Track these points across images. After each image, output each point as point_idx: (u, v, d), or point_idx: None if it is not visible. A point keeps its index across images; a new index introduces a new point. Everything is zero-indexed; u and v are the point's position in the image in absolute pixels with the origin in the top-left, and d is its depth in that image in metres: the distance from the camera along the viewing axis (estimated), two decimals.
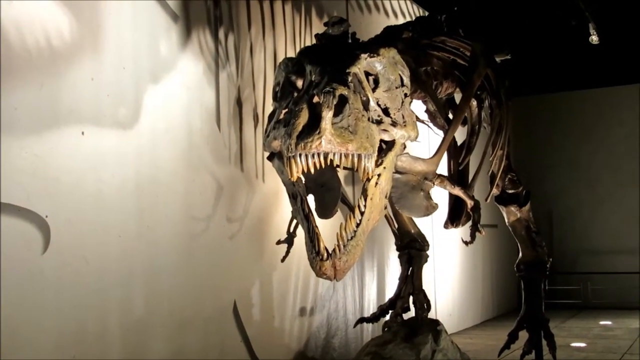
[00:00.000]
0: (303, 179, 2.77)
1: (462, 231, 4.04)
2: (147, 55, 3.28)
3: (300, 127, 2.40)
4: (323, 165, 2.44)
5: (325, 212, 3.09)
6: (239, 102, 3.85)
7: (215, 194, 3.64)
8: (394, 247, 4.53)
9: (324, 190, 3.10)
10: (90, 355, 2.85)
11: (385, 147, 2.76)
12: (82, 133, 2.88)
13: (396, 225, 4.42)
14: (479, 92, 4.00)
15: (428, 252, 4.40)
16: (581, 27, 7.08)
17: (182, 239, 3.42)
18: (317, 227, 2.62)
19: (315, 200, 3.09)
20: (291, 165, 2.46)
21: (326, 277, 2.54)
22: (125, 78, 3.13)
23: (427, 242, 4.43)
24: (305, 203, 2.74)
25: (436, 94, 3.92)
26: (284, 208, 3.81)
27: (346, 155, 2.45)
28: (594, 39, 7.13)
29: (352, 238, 2.54)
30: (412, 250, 4.37)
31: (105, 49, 3.03)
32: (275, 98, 2.93)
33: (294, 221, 3.32)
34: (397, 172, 3.10)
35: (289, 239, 3.42)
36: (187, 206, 3.46)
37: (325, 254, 2.51)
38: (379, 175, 2.69)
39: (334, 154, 2.41)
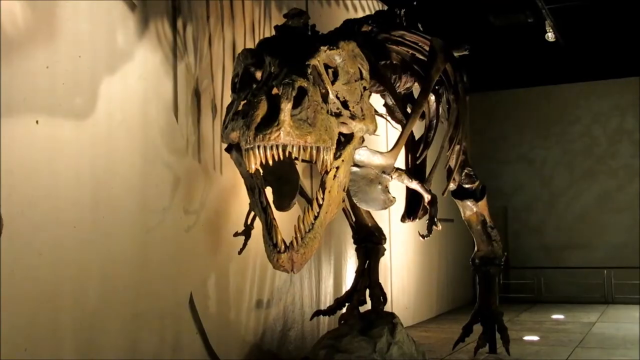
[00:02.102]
0: (261, 171, 2.78)
1: (418, 225, 4.11)
2: (104, 44, 3.25)
3: (258, 119, 2.43)
4: (281, 158, 2.48)
5: (283, 204, 3.12)
6: (197, 93, 3.84)
7: (172, 185, 3.63)
8: (351, 240, 4.59)
9: (282, 183, 3.13)
10: (43, 348, 2.82)
11: (344, 140, 2.81)
12: (37, 122, 2.84)
13: (354, 219, 4.47)
14: (437, 87, 4.08)
15: (385, 246, 4.47)
16: (538, 24, 7.21)
17: (138, 231, 3.40)
18: (274, 219, 2.66)
19: (273, 193, 3.11)
20: (249, 157, 2.49)
21: (283, 269, 2.58)
22: (81, 67, 3.09)
23: (384, 235, 4.48)
24: (263, 195, 2.77)
25: (395, 88, 3.99)
26: (242, 200, 3.81)
27: (305, 148, 2.50)
28: (550, 36, 7.29)
29: (309, 231, 2.59)
30: (369, 243, 4.43)
31: (60, 37, 2.98)
32: (234, 89, 2.95)
33: (252, 213, 3.32)
34: (355, 165, 3.16)
35: (247, 231, 3.41)
36: (143, 198, 3.44)
37: (283, 247, 2.55)
38: (337, 168, 2.74)
39: (293, 146, 2.46)
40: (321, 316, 4.64)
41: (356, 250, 4.51)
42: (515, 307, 8.12)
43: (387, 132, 5.25)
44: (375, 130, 2.97)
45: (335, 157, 2.71)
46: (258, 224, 2.89)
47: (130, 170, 3.37)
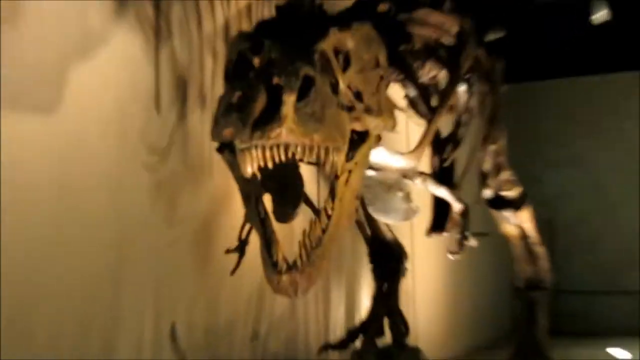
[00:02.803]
0: (259, 176, 2.78)
1: (447, 240, 4.11)
2: (74, 26, 3.27)
3: (256, 114, 2.45)
4: (283, 160, 2.48)
5: (285, 215, 3.06)
6: (182, 83, 3.88)
7: (152, 192, 3.66)
8: (366, 258, 4.58)
9: (283, 190, 3.09)
10: None
11: (358, 139, 2.81)
12: None
13: (369, 233, 4.48)
14: (468, 76, 4.09)
15: (407, 265, 4.47)
16: (587, 3, 7.17)
17: (111, 246, 3.42)
18: (275, 233, 2.66)
19: (274, 201, 3.06)
20: (245, 158, 2.51)
21: (285, 293, 2.56)
22: (48, 52, 3.11)
23: (405, 252, 4.49)
24: (261, 204, 2.77)
25: (418, 77, 4.00)
26: (235, 210, 3.72)
27: (311, 148, 2.49)
28: (600, 16, 7.21)
29: (317, 247, 2.58)
30: (388, 262, 4.45)
31: (24, 18, 3.00)
32: (227, 79, 2.94)
33: (247, 226, 3.29)
34: (371, 168, 3.19)
35: (241, 248, 3.38)
36: (118, 206, 3.46)
37: (285, 266, 2.53)
38: (349, 171, 2.74)
39: (297, 146, 2.45)
40: (330, 350, 4.62)
41: (372, 270, 4.52)
42: (565, 339, 8.06)
43: (409, 129, 5.30)
44: (394, 127, 2.98)
45: (348, 159, 2.72)
46: (255, 239, 2.89)
47: (103, 172, 3.39)
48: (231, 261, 3.44)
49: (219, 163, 3.43)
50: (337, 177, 2.71)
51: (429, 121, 3.62)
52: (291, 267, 2.54)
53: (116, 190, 3.46)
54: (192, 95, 3.95)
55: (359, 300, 5.42)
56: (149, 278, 3.62)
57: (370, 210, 3.45)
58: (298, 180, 3.18)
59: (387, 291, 4.43)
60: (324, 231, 2.62)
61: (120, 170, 3.49)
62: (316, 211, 3.23)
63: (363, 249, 4.74)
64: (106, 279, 3.38)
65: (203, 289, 3.98)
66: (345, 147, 2.67)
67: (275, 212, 3.01)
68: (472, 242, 3.70)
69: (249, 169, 2.53)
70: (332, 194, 2.70)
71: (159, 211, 3.70)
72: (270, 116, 2.40)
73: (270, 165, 2.50)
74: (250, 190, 2.81)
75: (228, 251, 3.40)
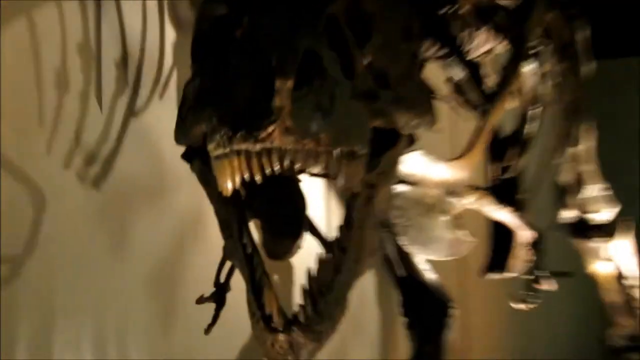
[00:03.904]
0: (243, 194, 2.79)
1: (510, 283, 4.07)
2: None
3: (239, 107, 2.44)
4: (277, 171, 2.45)
5: (280, 249, 3.12)
6: (133, 63, 3.92)
7: (91, 215, 3.70)
8: (397, 309, 4.55)
9: (278, 214, 3.15)
10: None
11: (382, 141, 2.76)
12: None
13: (401, 273, 4.45)
14: (537, 50, 4.07)
15: (454, 317, 4.40)
16: None
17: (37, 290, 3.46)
18: (267, 274, 2.65)
19: (264, 230, 3.13)
20: (224, 169, 2.50)
21: (283, 359, 2.53)
22: None
23: (451, 300, 4.43)
24: (247, 235, 2.76)
25: (466, 53, 3.99)
26: (211, 242, 3.77)
27: (316, 154, 2.46)
28: None
29: (327, 293, 2.56)
30: (429, 314, 4.40)
31: None
32: (195, 57, 2.95)
33: (227, 264, 3.34)
34: (402, 182, 3.20)
35: (218, 295, 3.41)
36: (42, 234, 3.46)
37: (282, 322, 2.52)
38: (371, 187, 2.72)
39: (296, 152, 2.42)
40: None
41: (407, 327, 4.49)
42: None
43: (455, 126, 5.24)
44: (434, 124, 2.95)
45: (369, 169, 2.69)
46: (238, 283, 2.90)
47: (21, 189, 3.40)
48: (205, 315, 3.41)
49: (187, 175, 3.35)
50: (354, 195, 2.68)
51: (484, 114, 3.59)
52: (291, 322, 2.52)
53: (40, 211, 3.46)
54: (147, 80, 3.97)
55: None
56: (85, 337, 3.63)
57: (403, 241, 3.40)
58: (298, 200, 3.23)
59: (429, 354, 4.39)
60: (337, 271, 2.60)
61: (46, 185, 3.48)
62: (325, 243, 3.36)
63: (393, 297, 4.72)
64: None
65: (164, 355, 3.96)
66: (364, 152, 2.63)
67: (266, 245, 3.07)
68: (548, 285, 3.66)
69: (229, 184, 2.50)
70: (348, 218, 2.68)
71: (101, 242, 3.72)
72: (259, 110, 2.37)
73: (258, 178, 2.46)
74: (230, 214, 2.80)
75: (200, 301, 3.39)
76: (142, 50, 3.96)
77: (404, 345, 4.64)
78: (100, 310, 3.71)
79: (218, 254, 3.29)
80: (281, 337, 2.51)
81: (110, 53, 3.80)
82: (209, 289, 3.43)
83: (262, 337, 2.55)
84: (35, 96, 3.48)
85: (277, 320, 2.53)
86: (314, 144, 2.44)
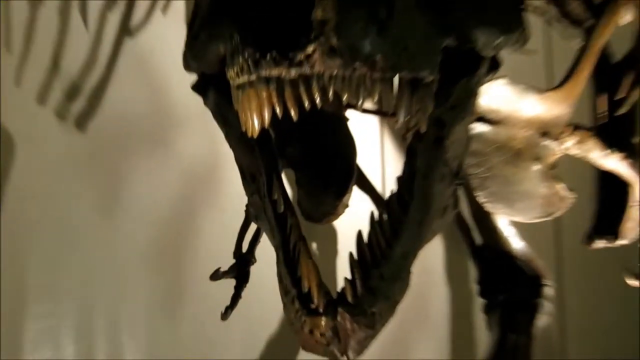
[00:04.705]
0: (273, 136, 2.78)
1: (620, 253, 4.09)
2: None
3: (268, 20, 2.40)
4: (318, 104, 2.37)
5: (321, 208, 3.12)
6: None
7: (68, 163, 3.72)
8: (474, 287, 4.53)
9: (319, 163, 3.12)
10: None
11: (455, 65, 2.71)
12: None
13: (479, 241, 4.44)
14: None
15: (549, 297, 4.34)
16: None
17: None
18: (304, 241, 2.60)
19: (301, 184, 3.12)
20: (248, 103, 2.44)
21: (324, 351, 2.49)
22: None
23: (545, 276, 4.38)
24: (278, 189, 2.71)
25: None
26: (229, 199, 3.90)
27: (370, 83, 2.38)
28: None
29: (383, 265, 2.52)
30: (515, 293, 4.37)
31: None
32: None
33: (252, 228, 3.34)
34: (482, 120, 3.19)
35: (240, 269, 3.40)
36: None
37: (324, 301, 2.46)
38: (441, 124, 2.68)
39: (343, 80, 2.35)
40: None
41: (485, 309, 4.44)
42: None
43: (550, 45, 5.35)
44: (524, 43, 2.90)
45: (438, 102, 2.60)
46: (265, 252, 2.94)
47: None
48: (222, 294, 3.40)
49: (198, 111, 3.37)
50: (419, 135, 2.62)
51: (589, 31, 3.54)
52: (336, 302, 2.45)
53: (8, 160, 3.48)
54: None
55: None
56: (66, 326, 3.66)
57: (481, 198, 3.37)
58: (345, 144, 3.19)
59: (515, 345, 4.36)
60: (395, 236, 2.57)
61: (15, 126, 3.51)
62: (381, 200, 3.43)
63: (467, 273, 4.79)
64: None
65: (166, 342, 3.99)
66: (433, 80, 2.54)
67: (303, 203, 3.07)
68: None
69: (256, 121, 2.44)
70: (411, 167, 2.65)
71: (87, 200, 3.75)
72: (294, 24, 2.33)
73: (294, 114, 2.38)
74: (257, 162, 2.76)
75: (216, 276, 3.38)
76: None
77: (481, 334, 4.62)
78: (85, 290, 3.73)
79: (239, 215, 3.30)
80: (323, 321, 2.43)
81: None
82: (227, 262, 3.39)
83: (298, 321, 2.46)
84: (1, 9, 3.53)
85: (317, 300, 2.45)
86: (366, 69, 2.33)
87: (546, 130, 3.29)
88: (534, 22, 3.07)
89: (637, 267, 3.66)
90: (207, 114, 2.88)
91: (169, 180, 4.05)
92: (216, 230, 4.02)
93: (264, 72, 2.34)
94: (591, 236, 3.78)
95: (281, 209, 2.66)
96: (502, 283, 4.37)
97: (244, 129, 2.50)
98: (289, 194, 2.73)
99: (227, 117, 2.75)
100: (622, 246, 3.85)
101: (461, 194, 3.10)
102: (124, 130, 3.89)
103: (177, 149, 4.08)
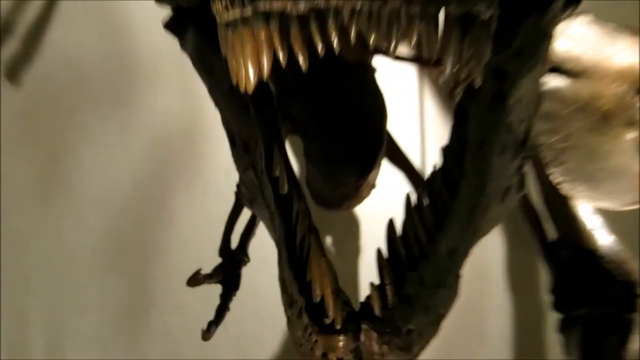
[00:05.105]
0: (275, 92, 2.58)
1: None
2: None
3: None
4: (336, 48, 2.10)
5: (339, 189, 2.92)
6: None
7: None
8: (546, 292, 4.33)
9: (336, 129, 2.91)
10: None
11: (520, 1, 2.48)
12: None
13: (553, 235, 4.22)
14: None
15: None
16: None
17: None
18: (315, 234, 2.34)
19: (311, 156, 2.90)
20: (242, 47, 2.20)
21: None
22: None
23: (638, 281, 4.23)
24: (280, 163, 2.50)
25: None
26: (213, 177, 3.82)
27: (407, 20, 2.09)
28: None
29: (422, 266, 2.28)
30: (599, 307, 4.15)
31: None
32: None
33: (244, 215, 3.16)
34: (558, 71, 3.00)
35: (228, 271, 3.26)
36: None
37: (342, 315, 2.21)
38: (502, 77, 2.43)
39: (370, 16, 2.09)
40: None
41: (560, 328, 4.19)
42: None
43: None
44: None
45: (498, 47, 2.34)
46: (260, 248, 2.80)
47: None
48: (203, 305, 3.23)
49: (173, 60, 3.55)
50: (472, 92, 2.36)
51: None
52: (358, 316, 2.23)
53: None
54: None
55: None
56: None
57: (556, 176, 3.13)
58: (372, 104, 3.03)
59: None
60: (439, 227, 2.35)
61: None
62: (419, 180, 3.25)
63: (537, 277, 4.69)
64: None
65: None
66: (491, 15, 2.25)
67: (315, 184, 2.91)
68: None
69: (251, 70, 2.18)
70: (461, 134, 2.43)
71: (25, 175, 3.68)
72: None
73: (303, 62, 2.11)
74: (252, 127, 2.56)
75: (195, 280, 3.26)
76: None
77: (554, 356, 4.54)
78: (18, 299, 3.63)
79: (227, 199, 3.15)
80: (340, 341, 2.19)
81: None
82: (210, 262, 3.21)
83: (307, 341, 2.23)
84: None
85: (333, 313, 2.20)
86: (401, 2, 2.05)
87: None
88: None
89: None
90: (184, 62, 2.70)
91: (132, 151, 3.98)
92: (195, 219, 4.05)
93: (263, 6, 2.11)
94: None
95: (284, 189, 2.47)
96: (584, 292, 4.15)
97: (234, 82, 2.25)
98: (295, 170, 2.56)
99: (211, 65, 2.59)
100: None
101: (529, 170, 2.93)
102: (70, 83, 3.81)
103: (142, 108, 3.99)
